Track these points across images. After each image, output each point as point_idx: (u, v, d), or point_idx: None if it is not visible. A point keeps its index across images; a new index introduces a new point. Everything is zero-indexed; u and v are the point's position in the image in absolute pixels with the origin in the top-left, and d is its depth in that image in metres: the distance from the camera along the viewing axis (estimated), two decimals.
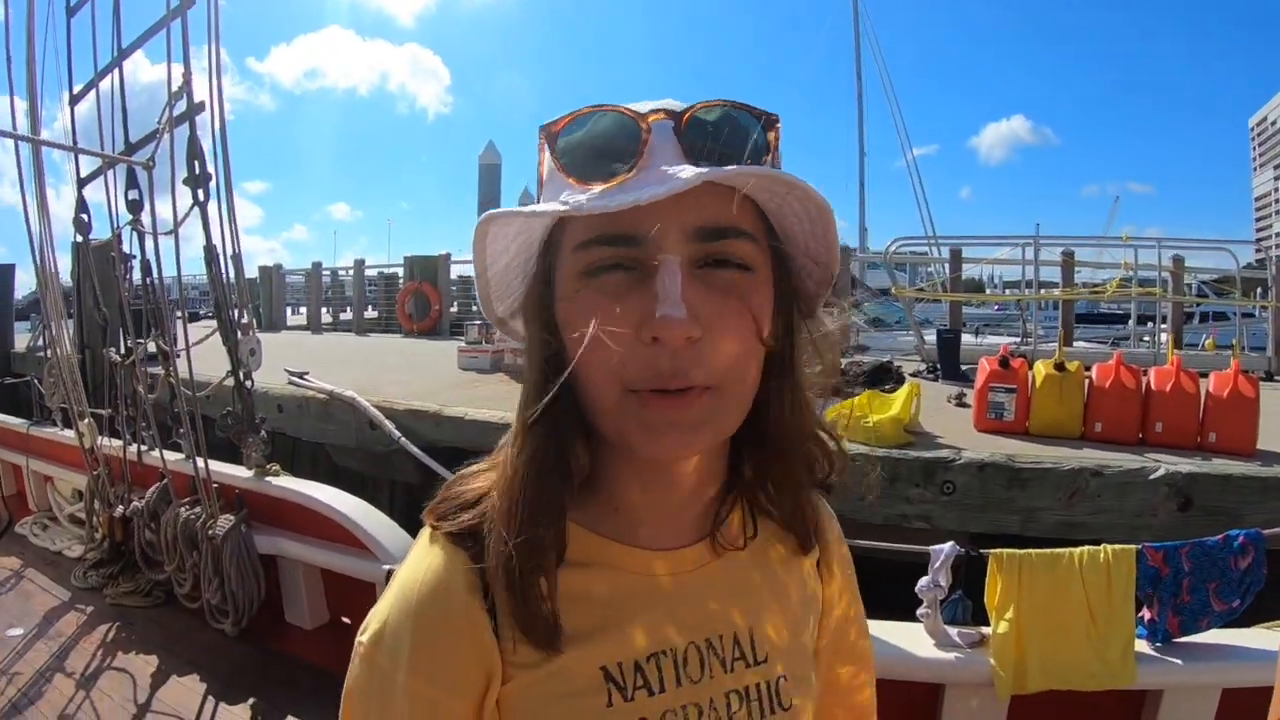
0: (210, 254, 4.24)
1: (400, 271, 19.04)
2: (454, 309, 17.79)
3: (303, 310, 22.72)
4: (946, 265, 12.65)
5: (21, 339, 13.44)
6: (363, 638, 0.76)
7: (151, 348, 5.02)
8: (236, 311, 4.40)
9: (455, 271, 17.35)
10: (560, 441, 0.74)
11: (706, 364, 0.67)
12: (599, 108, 0.70)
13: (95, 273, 5.52)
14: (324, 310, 20.97)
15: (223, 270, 4.31)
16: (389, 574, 3.59)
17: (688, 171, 0.64)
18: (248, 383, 4.41)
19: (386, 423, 5.64)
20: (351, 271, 20.48)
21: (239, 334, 4.35)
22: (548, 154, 0.72)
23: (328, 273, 22.01)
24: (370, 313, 20.20)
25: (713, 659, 0.80)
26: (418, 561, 0.77)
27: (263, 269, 21.13)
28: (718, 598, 0.82)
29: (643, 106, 0.71)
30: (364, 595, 3.96)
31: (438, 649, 0.73)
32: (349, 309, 20.67)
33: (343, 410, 6.23)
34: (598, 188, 0.67)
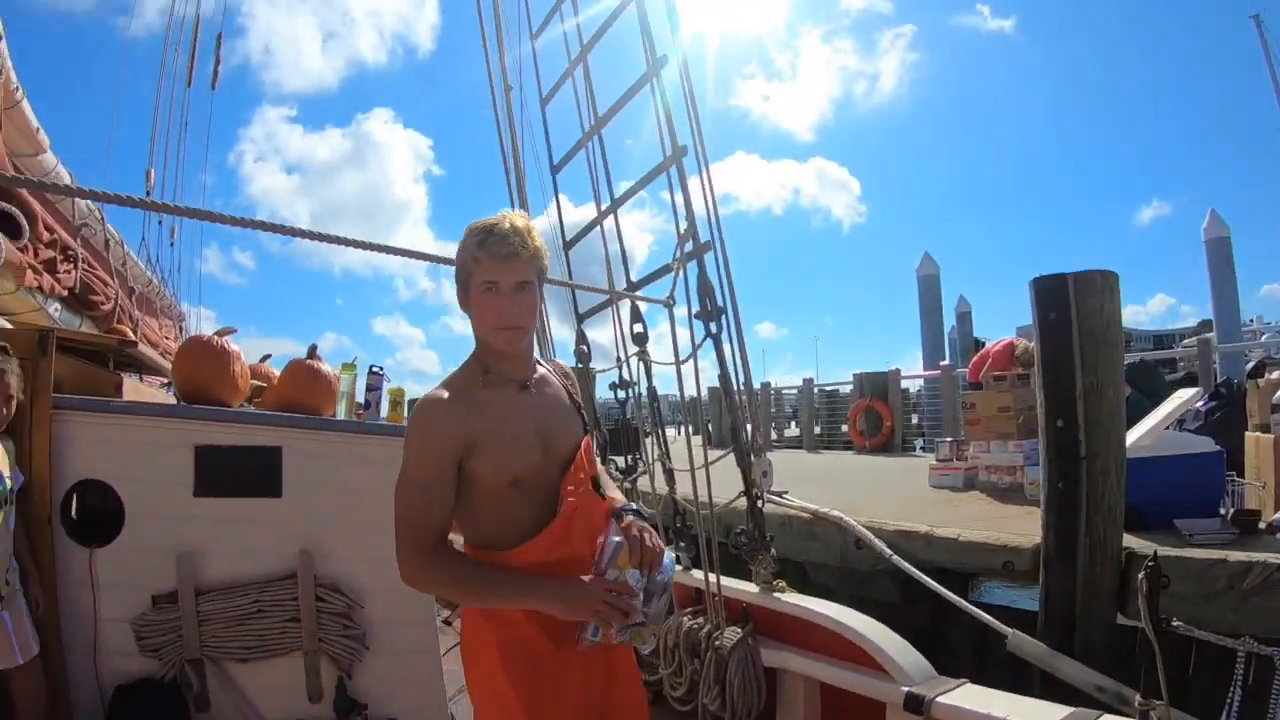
0: (725, 383, 4.53)
1: (847, 388, 19.24)
2: None
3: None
4: None
5: None
6: None
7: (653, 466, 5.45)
8: (750, 435, 4.64)
9: (904, 385, 17.24)
10: None
11: None
12: None
13: (594, 396, 6.10)
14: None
15: (736, 397, 4.58)
16: (907, 695, 3.60)
17: None
18: (759, 502, 4.62)
19: (877, 542, 5.64)
20: (797, 390, 20.98)
21: (752, 456, 4.59)
22: None
23: (772, 391, 22.72)
24: (814, 429, 20.50)
25: None
26: None
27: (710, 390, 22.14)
28: None
29: None
30: (872, 715, 3.94)
31: None
32: (792, 424, 21.14)
33: (827, 529, 6.34)
34: None
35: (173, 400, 4.59)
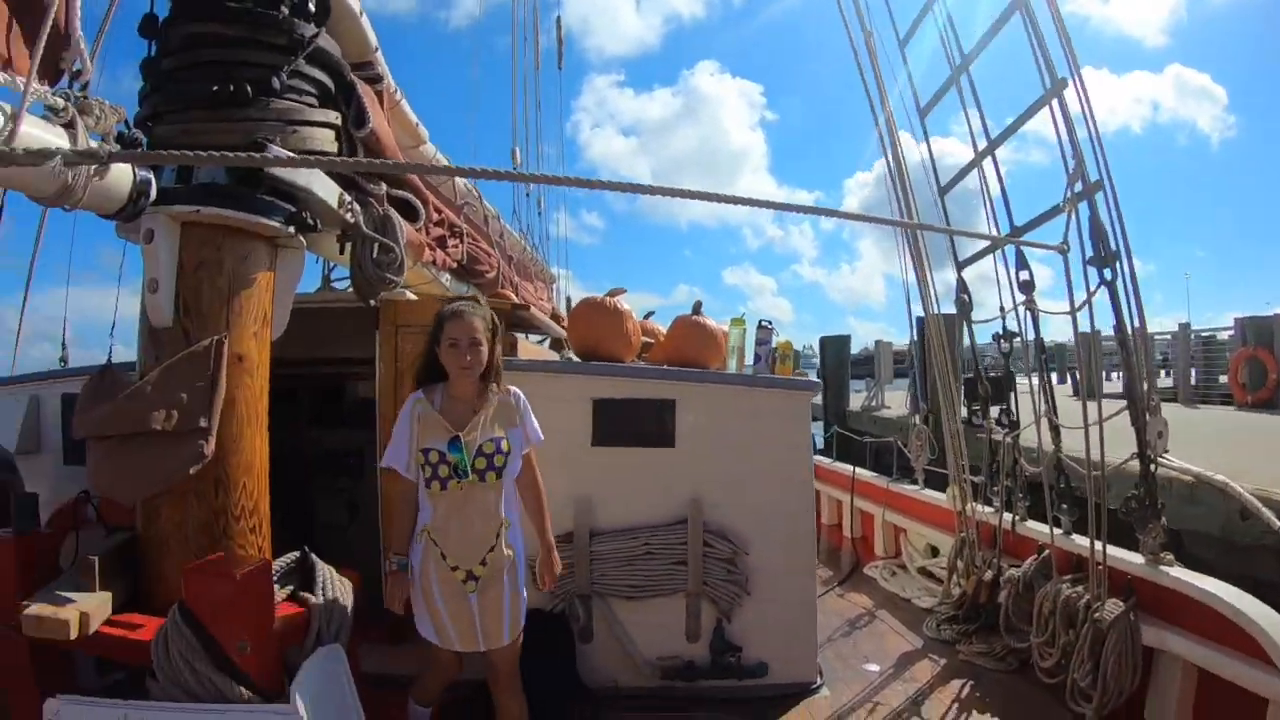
0: (1121, 335, 4.23)
1: (1225, 334, 17.44)
2: None
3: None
4: None
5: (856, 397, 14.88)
6: None
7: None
8: (1146, 391, 4.29)
9: None
10: None
11: None
12: None
13: (976, 347, 5.90)
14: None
15: (1132, 350, 4.25)
16: None
17: None
18: (1153, 466, 4.26)
19: (1265, 511, 4.97)
20: (1170, 335, 19.28)
21: (1148, 415, 4.24)
22: None
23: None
24: (1190, 380, 18.60)
25: None
26: None
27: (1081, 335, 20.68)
28: None
29: None
30: (1252, 710, 3.55)
31: None
32: (1162, 374, 19.40)
33: (1209, 495, 5.76)
34: None
35: (555, 357, 4.98)
